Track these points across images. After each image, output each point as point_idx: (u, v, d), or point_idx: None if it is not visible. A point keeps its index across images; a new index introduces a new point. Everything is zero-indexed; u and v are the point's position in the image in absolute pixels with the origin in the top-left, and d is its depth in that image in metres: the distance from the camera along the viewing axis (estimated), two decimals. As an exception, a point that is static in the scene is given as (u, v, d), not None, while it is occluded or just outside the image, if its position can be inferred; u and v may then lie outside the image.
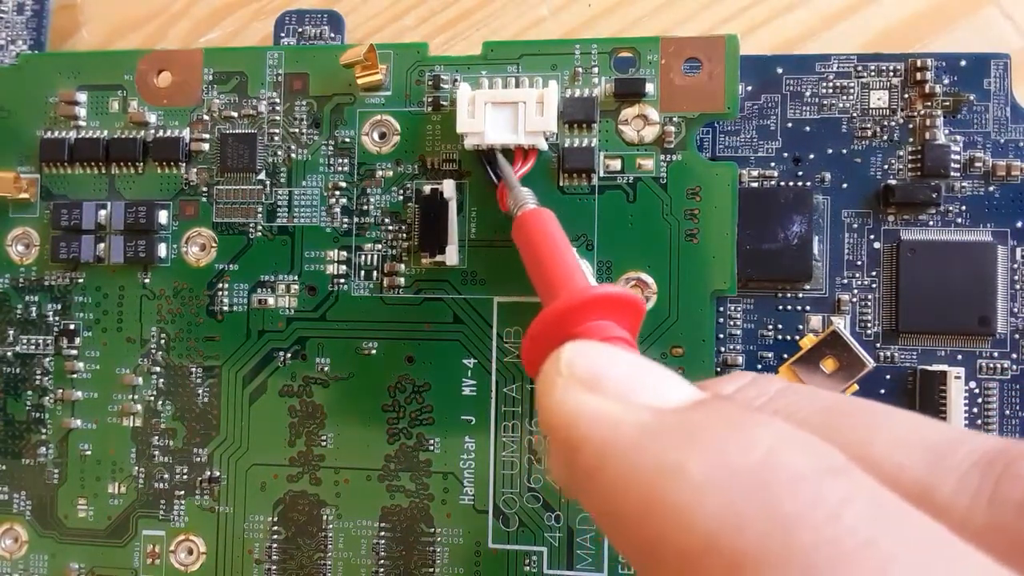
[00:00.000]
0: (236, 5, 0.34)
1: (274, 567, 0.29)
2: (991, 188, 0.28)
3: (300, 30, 0.31)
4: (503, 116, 0.27)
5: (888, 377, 0.28)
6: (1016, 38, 0.30)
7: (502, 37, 0.33)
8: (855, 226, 0.29)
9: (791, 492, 0.12)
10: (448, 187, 0.28)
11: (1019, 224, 0.28)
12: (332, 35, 0.31)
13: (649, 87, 0.28)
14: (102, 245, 0.30)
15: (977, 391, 0.28)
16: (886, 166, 0.29)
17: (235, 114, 0.30)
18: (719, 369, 0.29)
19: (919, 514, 0.12)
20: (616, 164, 0.28)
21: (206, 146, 0.30)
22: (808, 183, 0.29)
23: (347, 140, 0.29)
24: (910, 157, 0.28)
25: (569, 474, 0.15)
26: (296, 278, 0.29)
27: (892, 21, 0.31)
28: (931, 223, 0.28)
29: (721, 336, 0.29)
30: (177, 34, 0.35)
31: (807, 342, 0.26)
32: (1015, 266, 0.28)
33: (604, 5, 0.32)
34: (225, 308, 0.30)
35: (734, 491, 0.12)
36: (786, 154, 0.29)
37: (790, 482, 0.12)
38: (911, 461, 0.15)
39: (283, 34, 0.32)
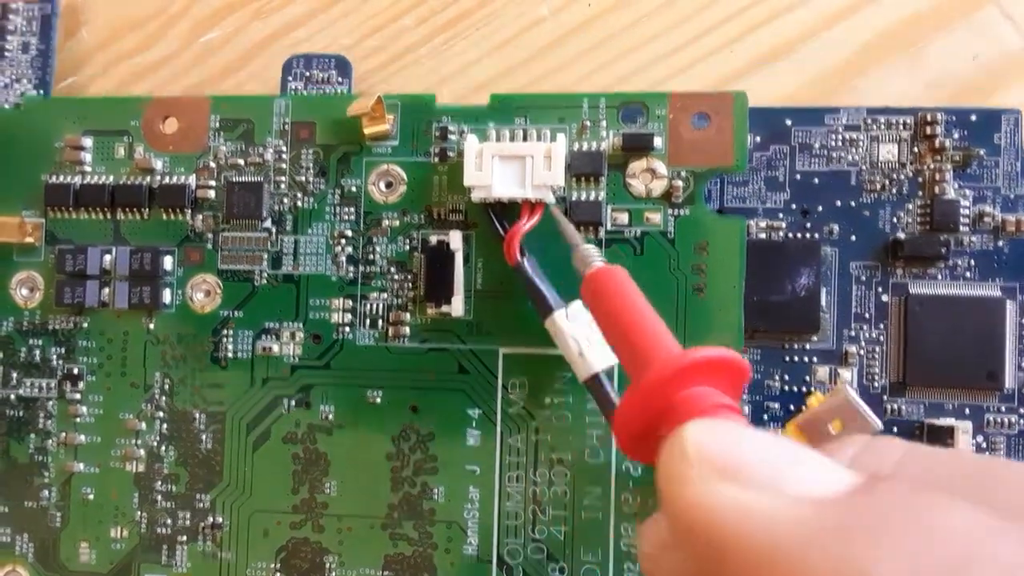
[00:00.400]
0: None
1: (276, 616, 0.29)
2: (1000, 243, 0.28)
3: (308, 74, 0.31)
4: (511, 170, 0.27)
5: (895, 430, 0.28)
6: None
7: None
8: (863, 279, 0.29)
9: None
10: (455, 238, 0.28)
11: (1028, 280, 0.28)
12: (339, 79, 0.31)
13: (657, 141, 0.28)
14: (107, 290, 0.30)
15: (984, 445, 0.28)
16: (895, 219, 0.28)
17: (241, 161, 0.30)
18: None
19: None
20: (624, 217, 0.28)
21: (212, 193, 0.30)
22: (816, 235, 0.29)
23: (353, 189, 0.29)
24: (919, 211, 0.28)
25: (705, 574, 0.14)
26: (301, 326, 0.29)
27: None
28: (939, 277, 0.28)
29: (727, 387, 0.29)
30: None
31: (814, 401, 0.26)
32: (1023, 321, 0.28)
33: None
34: (229, 355, 0.30)
35: None
36: (794, 206, 0.29)
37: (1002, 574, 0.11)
38: None
39: (290, 78, 0.31)
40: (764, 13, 0.31)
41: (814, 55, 0.31)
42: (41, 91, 0.33)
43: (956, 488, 0.14)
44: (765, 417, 0.29)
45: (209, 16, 0.34)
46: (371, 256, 0.29)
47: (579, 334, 0.26)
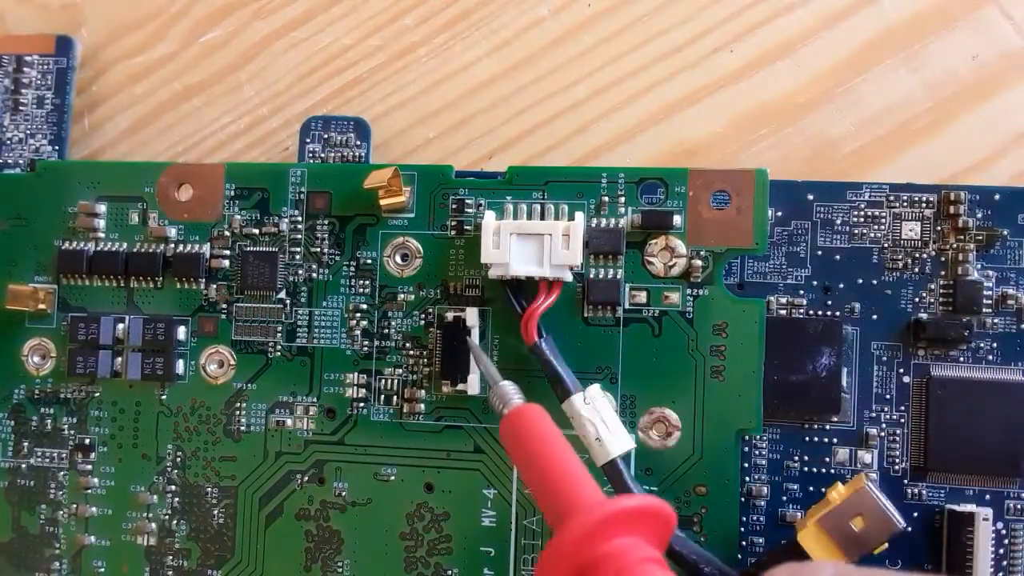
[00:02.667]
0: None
1: None
2: (1024, 326, 0.28)
3: (326, 136, 0.31)
4: (528, 248, 0.27)
5: (915, 515, 0.28)
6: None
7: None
8: (884, 359, 0.28)
9: None
10: (471, 315, 0.28)
11: (1053, 364, 0.27)
12: (358, 142, 0.31)
13: (676, 219, 0.27)
14: (119, 359, 0.30)
15: (1004, 532, 0.27)
16: (917, 299, 0.28)
17: (256, 231, 0.29)
18: (743, 499, 0.28)
19: None
20: (642, 297, 0.28)
21: (226, 262, 0.30)
22: (838, 313, 0.28)
23: (369, 261, 0.29)
24: (942, 291, 0.28)
25: None
26: (315, 400, 0.29)
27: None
28: (961, 359, 0.28)
29: (746, 465, 0.28)
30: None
31: (834, 495, 0.25)
32: (1047, 404, 0.27)
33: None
34: (243, 428, 0.29)
35: None
36: (815, 282, 0.29)
37: None
38: None
39: (308, 140, 0.31)
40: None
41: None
42: (56, 147, 0.33)
43: None
44: (784, 499, 0.28)
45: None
46: (386, 330, 0.29)
47: (596, 419, 0.26)
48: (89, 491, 0.30)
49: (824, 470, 0.28)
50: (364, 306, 0.29)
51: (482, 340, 0.28)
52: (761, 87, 0.31)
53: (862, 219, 0.28)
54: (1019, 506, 0.27)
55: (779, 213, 0.29)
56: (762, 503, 0.28)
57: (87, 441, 0.30)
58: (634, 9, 0.32)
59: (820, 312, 0.28)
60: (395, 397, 0.29)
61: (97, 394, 0.30)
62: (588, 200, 0.28)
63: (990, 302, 0.28)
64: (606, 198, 0.28)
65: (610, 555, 0.17)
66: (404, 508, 0.28)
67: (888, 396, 0.28)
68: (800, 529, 0.25)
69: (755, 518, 0.28)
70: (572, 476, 0.20)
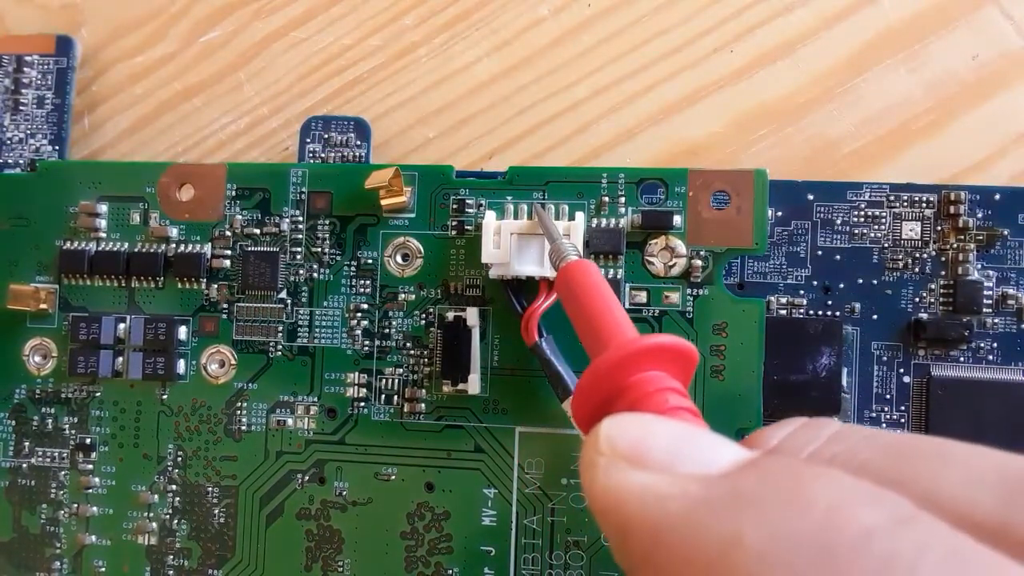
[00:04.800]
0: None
1: None
2: (1024, 326, 0.28)
3: (326, 136, 0.31)
4: (529, 248, 0.27)
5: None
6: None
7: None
8: (884, 359, 0.28)
9: (859, 552, 0.11)
10: (472, 315, 0.28)
11: (1053, 364, 0.27)
12: (358, 142, 0.31)
13: (676, 219, 0.27)
14: (120, 359, 0.30)
15: (1006, 530, 0.27)
16: (917, 299, 0.28)
17: (257, 231, 0.30)
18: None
19: (996, 557, 0.11)
20: (642, 296, 0.28)
21: (227, 262, 0.30)
22: (838, 313, 0.28)
23: (370, 261, 0.29)
24: (942, 291, 0.28)
25: (624, 559, 0.15)
26: (316, 400, 0.29)
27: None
28: (962, 359, 0.28)
29: (745, 465, 0.28)
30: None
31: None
32: (1048, 404, 0.27)
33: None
34: (244, 427, 0.29)
35: (798, 560, 0.11)
36: (815, 282, 0.29)
37: (856, 541, 0.11)
38: (984, 496, 0.14)
39: (308, 139, 0.31)
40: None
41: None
42: (56, 147, 0.33)
43: (869, 465, 0.15)
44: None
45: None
46: (387, 330, 0.29)
47: (597, 419, 0.26)
48: (90, 491, 0.30)
49: (824, 470, 0.28)
50: (365, 306, 0.29)
51: (483, 340, 0.28)
52: (761, 87, 0.31)
53: (862, 219, 0.28)
54: (1019, 506, 0.27)
55: (779, 213, 0.29)
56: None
57: (88, 441, 0.30)
58: (634, 9, 0.32)
59: (820, 312, 0.28)
60: (396, 397, 0.29)
61: (98, 394, 0.30)
62: (588, 200, 0.28)
63: (990, 302, 0.28)
64: (606, 198, 0.28)
65: (636, 383, 0.19)
66: (405, 508, 0.28)
67: (888, 396, 0.28)
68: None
69: (755, 518, 0.28)
70: (612, 319, 0.21)
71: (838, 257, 0.29)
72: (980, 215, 0.28)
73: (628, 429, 0.16)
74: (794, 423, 0.18)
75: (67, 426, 0.30)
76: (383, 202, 0.28)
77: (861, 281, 0.28)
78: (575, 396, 0.20)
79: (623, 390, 0.19)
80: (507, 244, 0.27)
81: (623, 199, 0.28)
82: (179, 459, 0.30)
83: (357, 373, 0.29)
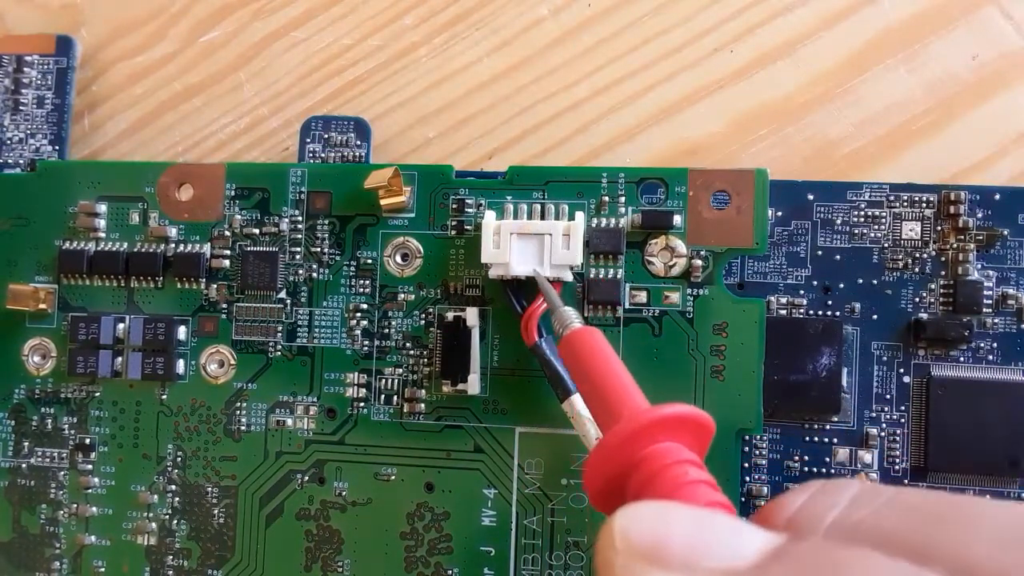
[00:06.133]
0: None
1: None
2: (1024, 326, 0.28)
3: (326, 136, 0.31)
4: (529, 247, 0.27)
5: (916, 514, 0.28)
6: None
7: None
8: (884, 359, 0.28)
9: None
10: (471, 315, 0.28)
11: (1053, 364, 0.27)
12: (358, 142, 0.31)
13: (677, 219, 0.27)
14: (120, 359, 0.30)
15: (1007, 531, 0.27)
16: (917, 299, 0.28)
17: (256, 231, 0.29)
18: (743, 499, 0.28)
19: None
20: (642, 296, 0.28)
21: (227, 262, 0.30)
22: (838, 313, 0.28)
23: (369, 261, 0.29)
24: (942, 291, 0.28)
25: None
26: (315, 400, 0.29)
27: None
28: (962, 359, 0.28)
29: (746, 465, 0.28)
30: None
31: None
32: (1048, 404, 0.27)
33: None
34: (243, 428, 0.29)
35: None
36: (815, 282, 0.29)
37: None
38: (1017, 561, 0.13)
39: (308, 139, 0.31)
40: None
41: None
42: (56, 147, 0.33)
43: (898, 532, 0.14)
44: (784, 497, 0.28)
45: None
46: (386, 330, 0.29)
47: (597, 418, 0.26)
48: (89, 491, 0.30)
49: (824, 470, 0.28)
50: (364, 306, 0.29)
51: (483, 340, 0.28)
52: (761, 87, 0.31)
53: (862, 219, 0.28)
54: (1019, 506, 0.27)
55: (779, 213, 0.29)
56: (762, 503, 0.28)
57: (87, 441, 0.30)
58: (634, 9, 0.32)
59: (820, 312, 0.28)
60: (395, 397, 0.29)
61: (97, 394, 0.30)
62: (588, 200, 0.28)
63: (990, 302, 0.28)
64: (606, 198, 0.28)
65: (651, 456, 0.18)
66: (404, 508, 0.28)
67: (888, 396, 0.28)
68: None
69: (755, 518, 0.28)
70: (621, 388, 0.21)
71: (838, 257, 0.29)
72: (980, 215, 0.28)
73: (643, 521, 0.15)
74: (811, 487, 0.17)
75: (67, 426, 0.30)
76: (383, 202, 0.28)
77: (861, 281, 0.28)
78: (587, 469, 0.19)
79: (638, 463, 0.18)
80: (507, 244, 0.27)
81: (623, 199, 0.28)
82: (179, 459, 0.30)
83: (357, 373, 0.29)
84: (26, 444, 0.30)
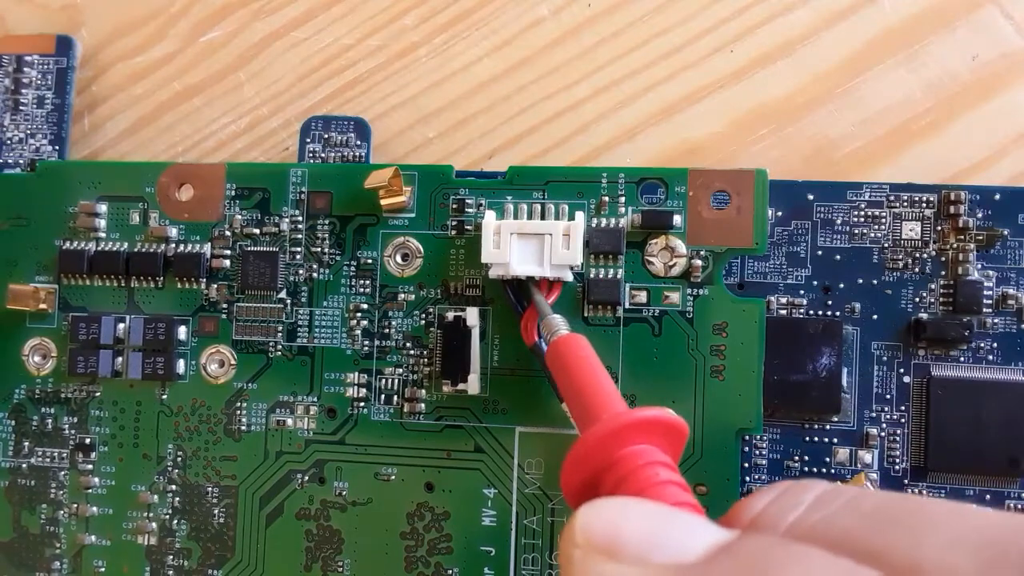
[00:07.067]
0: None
1: None
2: (1024, 326, 0.28)
3: (326, 136, 0.31)
4: (529, 248, 0.27)
5: (916, 514, 0.28)
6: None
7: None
8: (884, 359, 0.28)
9: None
10: (472, 315, 0.28)
11: (1053, 364, 0.27)
12: (358, 142, 0.31)
13: (676, 219, 0.27)
14: (120, 359, 0.30)
15: (1007, 531, 0.27)
16: (917, 299, 0.28)
17: (257, 231, 0.29)
18: (743, 499, 0.28)
19: None
20: (642, 296, 0.28)
21: (227, 262, 0.30)
22: (838, 313, 0.28)
23: (369, 261, 0.29)
24: (942, 291, 0.28)
25: None
26: (315, 400, 0.29)
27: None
28: (962, 359, 0.28)
29: (747, 465, 0.28)
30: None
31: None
32: (1047, 404, 0.27)
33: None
34: (243, 427, 0.29)
35: None
36: (815, 282, 0.29)
37: None
38: (965, 562, 0.13)
39: (308, 139, 0.31)
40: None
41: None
42: (56, 147, 0.33)
43: (851, 533, 0.15)
44: (784, 497, 0.28)
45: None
46: (387, 330, 0.29)
47: (597, 419, 0.26)
48: (90, 491, 0.30)
49: (824, 470, 0.28)
50: (364, 306, 0.29)
51: (483, 340, 0.28)
52: (761, 87, 0.31)
53: (862, 219, 0.28)
54: (1019, 506, 0.27)
55: (779, 213, 0.29)
56: (761, 503, 0.28)
57: (88, 441, 0.30)
58: (634, 9, 0.32)
59: (820, 312, 0.28)
60: (395, 397, 0.29)
61: (98, 394, 0.30)
62: (588, 200, 0.28)
63: (990, 302, 0.28)
64: (606, 198, 0.28)
65: (625, 457, 0.19)
66: (404, 508, 0.28)
67: (888, 396, 0.28)
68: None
69: (755, 518, 0.28)
70: (601, 392, 0.22)
71: (838, 257, 0.29)
72: (980, 215, 0.28)
73: (602, 516, 0.16)
74: (777, 488, 0.18)
75: (67, 426, 0.30)
76: (383, 202, 0.28)
77: (861, 281, 0.28)
78: (564, 469, 0.20)
79: (612, 464, 0.19)
80: (507, 244, 0.27)
81: (623, 199, 0.28)
82: (179, 459, 0.30)
83: (357, 373, 0.29)
84: (26, 444, 0.30)
